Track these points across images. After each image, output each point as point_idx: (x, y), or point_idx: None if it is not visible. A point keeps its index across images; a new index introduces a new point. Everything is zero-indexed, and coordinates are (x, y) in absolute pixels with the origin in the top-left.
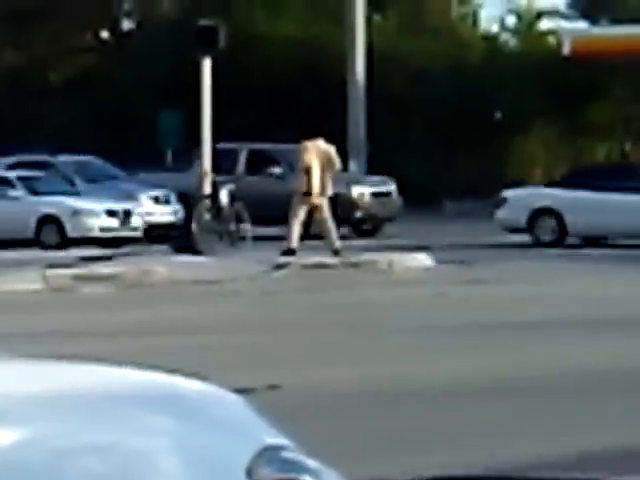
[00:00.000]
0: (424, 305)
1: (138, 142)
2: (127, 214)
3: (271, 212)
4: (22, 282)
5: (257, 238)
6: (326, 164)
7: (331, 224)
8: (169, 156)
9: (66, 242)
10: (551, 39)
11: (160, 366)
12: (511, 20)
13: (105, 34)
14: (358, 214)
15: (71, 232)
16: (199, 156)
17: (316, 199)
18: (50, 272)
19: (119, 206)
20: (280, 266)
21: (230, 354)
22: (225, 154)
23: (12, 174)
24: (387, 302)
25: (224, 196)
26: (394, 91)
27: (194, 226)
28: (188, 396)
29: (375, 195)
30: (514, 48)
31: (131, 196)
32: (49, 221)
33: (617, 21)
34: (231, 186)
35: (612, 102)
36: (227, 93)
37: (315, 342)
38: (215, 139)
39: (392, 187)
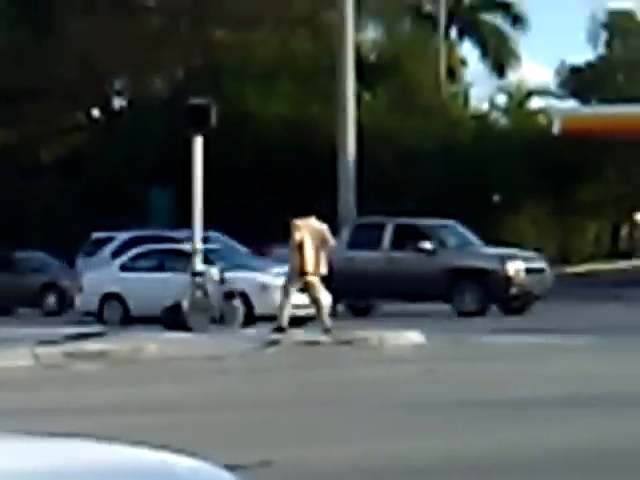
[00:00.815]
0: (414, 382)
1: (129, 220)
2: None
3: (422, 289)
4: (12, 359)
5: (402, 314)
6: (319, 242)
7: (323, 302)
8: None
9: (252, 319)
10: (541, 118)
11: (151, 443)
12: (501, 99)
13: (96, 112)
14: (513, 291)
15: (259, 309)
16: (342, 231)
17: (309, 277)
18: (40, 349)
19: None
20: (271, 343)
21: (221, 431)
22: (370, 228)
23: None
24: (378, 379)
25: (215, 274)
26: (384, 169)
27: (184, 303)
28: (180, 473)
29: (529, 271)
30: (504, 127)
31: (264, 271)
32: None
33: (606, 101)
34: (222, 264)
35: (602, 181)
36: (218, 170)
37: (306, 419)
38: (205, 216)
39: (544, 263)
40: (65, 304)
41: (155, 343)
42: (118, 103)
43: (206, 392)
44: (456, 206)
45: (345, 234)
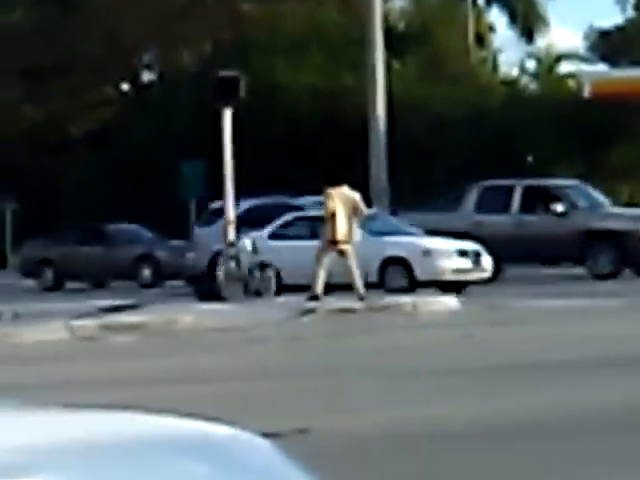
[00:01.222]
0: (449, 348)
1: (160, 192)
2: (477, 254)
3: (553, 251)
4: (48, 332)
5: (530, 279)
6: (352, 211)
7: (357, 270)
8: (192, 205)
9: (414, 285)
10: (571, 82)
11: (188, 413)
12: (531, 64)
13: (125, 86)
14: None
15: (421, 275)
16: (471, 193)
17: (343, 245)
18: (75, 322)
19: (469, 246)
20: (306, 312)
21: (257, 400)
22: (497, 191)
23: None
24: (412, 345)
25: (248, 244)
26: (415, 137)
27: (219, 273)
28: (219, 441)
29: None
30: (534, 92)
31: (417, 236)
32: (394, 263)
33: (636, 63)
34: (255, 234)
35: (634, 143)
36: (248, 143)
37: (340, 387)
38: (237, 189)
39: None
40: (161, 276)
41: (190, 314)
42: (147, 77)
43: (241, 362)
44: (487, 172)
45: (471, 198)
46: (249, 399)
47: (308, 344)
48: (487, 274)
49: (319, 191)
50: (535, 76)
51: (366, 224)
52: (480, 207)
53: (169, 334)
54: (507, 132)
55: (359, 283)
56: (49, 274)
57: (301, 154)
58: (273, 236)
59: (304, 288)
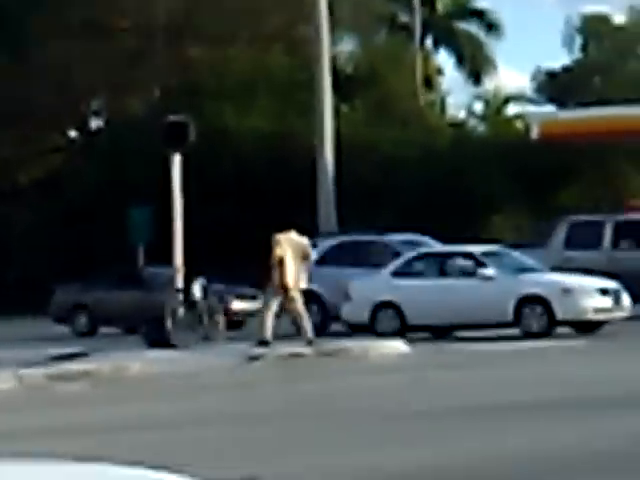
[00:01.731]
0: (400, 391)
1: (109, 238)
2: (617, 292)
3: None
4: None
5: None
6: (301, 256)
7: (305, 315)
8: (141, 252)
9: (553, 325)
10: (519, 123)
11: (136, 461)
12: (478, 106)
13: (73, 133)
14: None
15: (562, 314)
16: (557, 230)
17: (291, 292)
18: (24, 371)
19: (609, 285)
20: (254, 358)
21: (207, 447)
22: (587, 227)
23: (476, 250)
24: (362, 389)
25: (197, 290)
26: (364, 180)
27: (167, 320)
28: None
29: None
30: (482, 134)
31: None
32: (532, 302)
33: (583, 104)
34: (203, 280)
35: (582, 185)
36: (197, 187)
37: (291, 433)
38: (185, 232)
39: None
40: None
41: (138, 361)
42: (95, 123)
43: (190, 409)
44: (436, 214)
45: (559, 233)
46: (199, 446)
47: (257, 390)
48: (626, 313)
49: (400, 229)
50: (483, 118)
51: (496, 261)
52: (570, 243)
53: (118, 381)
54: (456, 173)
55: (308, 328)
56: (83, 319)
57: (250, 198)
58: (397, 274)
59: (432, 329)
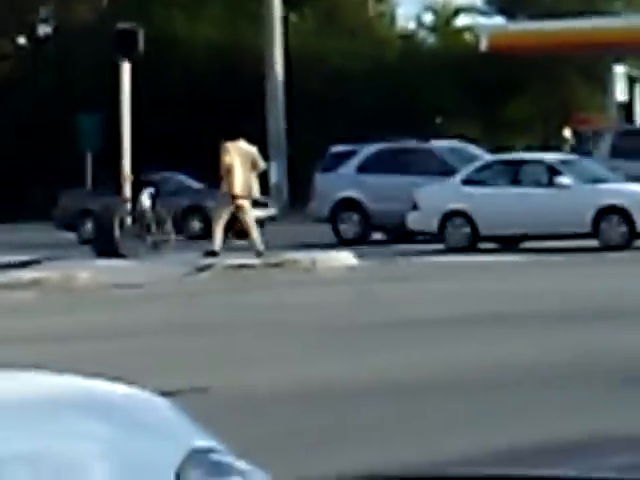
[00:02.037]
0: (346, 304)
1: (58, 146)
2: None
3: None
4: None
5: None
6: (250, 165)
7: (254, 225)
8: (89, 158)
9: (634, 237)
10: (468, 35)
11: (85, 371)
12: (428, 17)
13: (22, 40)
14: None
15: None
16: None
17: (240, 200)
18: None
19: None
20: (203, 268)
21: (154, 357)
22: (635, 135)
23: (552, 158)
24: (310, 302)
25: (145, 199)
26: (313, 91)
27: (116, 230)
28: (115, 400)
29: None
30: (432, 45)
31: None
32: (612, 213)
33: (534, 17)
34: (151, 189)
35: (531, 97)
36: (146, 95)
37: (239, 343)
38: (134, 141)
39: None
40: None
41: (87, 271)
42: (43, 30)
43: (138, 319)
44: (384, 127)
45: (605, 143)
46: (147, 357)
47: (205, 300)
48: None
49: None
50: (432, 29)
51: (572, 170)
52: (616, 152)
53: (67, 290)
54: (405, 85)
55: (257, 238)
56: (89, 226)
57: (200, 107)
58: (467, 182)
59: (504, 240)
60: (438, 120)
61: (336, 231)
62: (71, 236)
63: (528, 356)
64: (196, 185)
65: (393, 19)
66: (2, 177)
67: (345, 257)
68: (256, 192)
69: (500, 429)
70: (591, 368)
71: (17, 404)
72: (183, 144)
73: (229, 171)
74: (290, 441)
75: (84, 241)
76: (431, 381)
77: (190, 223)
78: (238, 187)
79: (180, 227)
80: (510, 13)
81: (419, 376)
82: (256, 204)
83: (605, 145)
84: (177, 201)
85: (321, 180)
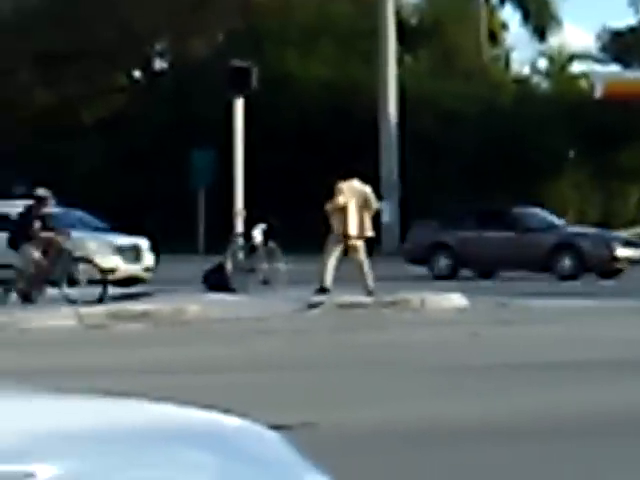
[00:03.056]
0: (456, 345)
1: (170, 181)
2: None
3: None
4: (57, 319)
5: None
6: (363, 204)
7: (367, 265)
8: (201, 195)
9: None
10: (583, 82)
11: (197, 403)
12: (543, 63)
13: (137, 74)
14: None
15: None
16: None
17: (353, 240)
18: (84, 309)
19: None
20: (313, 305)
21: (264, 392)
22: None
23: None
24: (419, 341)
25: (258, 234)
26: (426, 132)
27: (228, 264)
28: (227, 432)
29: None
30: (546, 91)
31: None
32: None
33: None
34: (264, 225)
35: None
36: (259, 132)
37: (347, 382)
38: (247, 178)
39: None
40: (584, 267)
41: (197, 304)
42: (159, 65)
43: (249, 353)
44: (496, 170)
45: None
46: (257, 391)
47: (315, 337)
48: None
49: (330, 184)
50: (547, 75)
51: None
52: None
53: (177, 324)
54: (518, 130)
55: (369, 278)
56: (444, 261)
57: (311, 145)
58: None
59: None
60: (571, 154)
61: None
62: (422, 270)
63: (630, 404)
64: None
65: (507, 63)
66: (112, 212)
67: (455, 298)
68: (369, 232)
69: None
70: None
71: (130, 433)
72: (294, 182)
73: (343, 210)
74: (394, 479)
75: (437, 276)
76: (540, 426)
77: None
78: (352, 227)
79: None
80: (625, 61)
81: (525, 420)
82: (629, 244)
83: None
84: None
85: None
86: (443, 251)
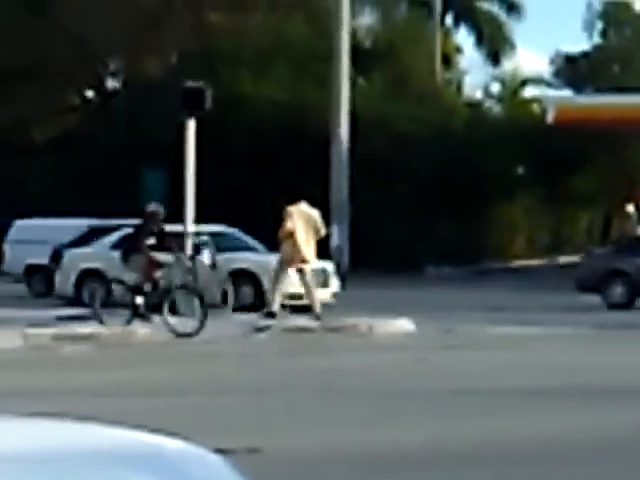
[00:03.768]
0: (403, 370)
1: (121, 200)
2: None
3: None
4: (2, 341)
5: None
6: (311, 229)
7: (314, 289)
8: None
9: None
10: (535, 106)
11: (140, 426)
12: (495, 87)
13: (90, 93)
14: None
15: None
16: None
17: (302, 264)
18: (30, 331)
19: None
20: (261, 329)
21: (209, 416)
22: None
23: None
24: (366, 367)
25: (206, 258)
26: (378, 154)
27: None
28: (170, 455)
29: None
30: (498, 115)
31: None
32: None
33: (601, 90)
34: (213, 248)
35: (595, 171)
36: (211, 153)
37: (294, 406)
38: (198, 199)
39: None
40: None
41: (145, 327)
42: (112, 84)
43: (195, 376)
44: (448, 193)
45: None
46: (202, 415)
47: (262, 361)
48: None
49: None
50: (499, 99)
51: None
52: None
53: (124, 346)
54: (470, 154)
55: (317, 302)
56: (619, 288)
57: (263, 166)
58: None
59: None
60: (520, 171)
61: None
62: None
63: (577, 431)
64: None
65: (460, 87)
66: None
67: (403, 323)
68: (313, 257)
69: None
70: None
71: (70, 455)
72: (246, 203)
73: (291, 235)
74: None
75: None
76: (485, 452)
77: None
78: (300, 251)
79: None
80: (577, 86)
81: (471, 446)
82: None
83: None
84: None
85: None
86: (619, 278)
